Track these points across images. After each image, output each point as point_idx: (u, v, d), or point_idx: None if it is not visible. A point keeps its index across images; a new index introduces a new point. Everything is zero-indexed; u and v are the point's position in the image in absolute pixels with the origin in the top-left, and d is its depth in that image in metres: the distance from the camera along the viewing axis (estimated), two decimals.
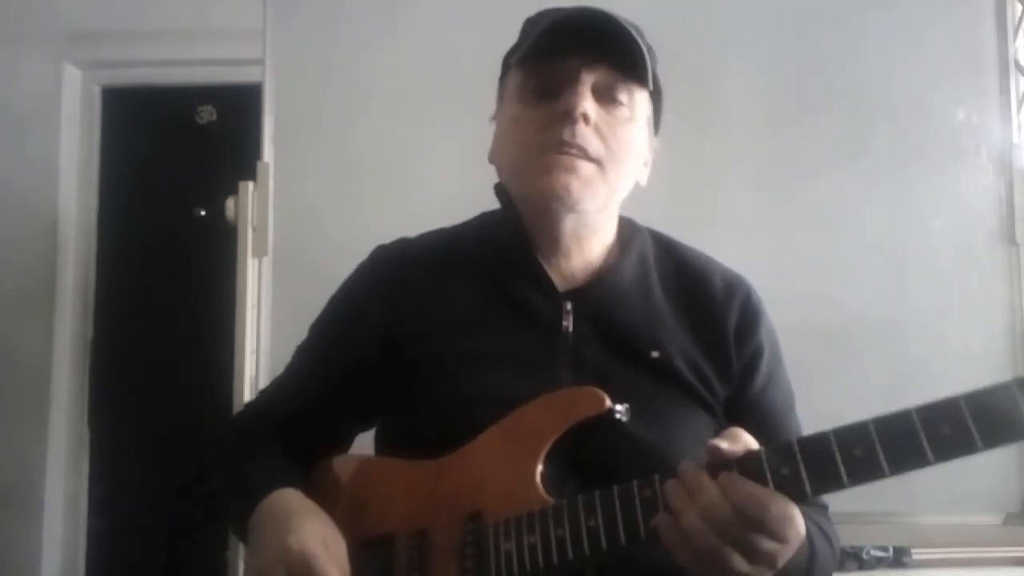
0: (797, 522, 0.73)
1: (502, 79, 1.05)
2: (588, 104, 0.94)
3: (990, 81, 1.66)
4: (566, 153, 0.94)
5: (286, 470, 0.98)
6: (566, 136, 0.93)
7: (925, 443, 0.67)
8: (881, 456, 0.69)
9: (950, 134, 1.65)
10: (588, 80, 0.95)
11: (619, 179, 0.99)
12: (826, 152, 1.65)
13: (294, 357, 1.11)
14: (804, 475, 0.71)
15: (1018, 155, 1.64)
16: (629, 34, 0.95)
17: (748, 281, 1.05)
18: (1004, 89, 1.65)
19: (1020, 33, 1.69)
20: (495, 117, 1.06)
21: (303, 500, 0.91)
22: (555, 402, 0.88)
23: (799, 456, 0.72)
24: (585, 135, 0.94)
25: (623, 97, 0.97)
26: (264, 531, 0.87)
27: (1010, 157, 1.64)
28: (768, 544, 0.72)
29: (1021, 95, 1.67)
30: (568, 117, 0.93)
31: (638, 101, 0.99)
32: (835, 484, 0.71)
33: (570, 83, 0.94)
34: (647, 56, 0.96)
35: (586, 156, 0.94)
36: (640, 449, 0.88)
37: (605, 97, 0.96)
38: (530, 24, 1.04)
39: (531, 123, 0.97)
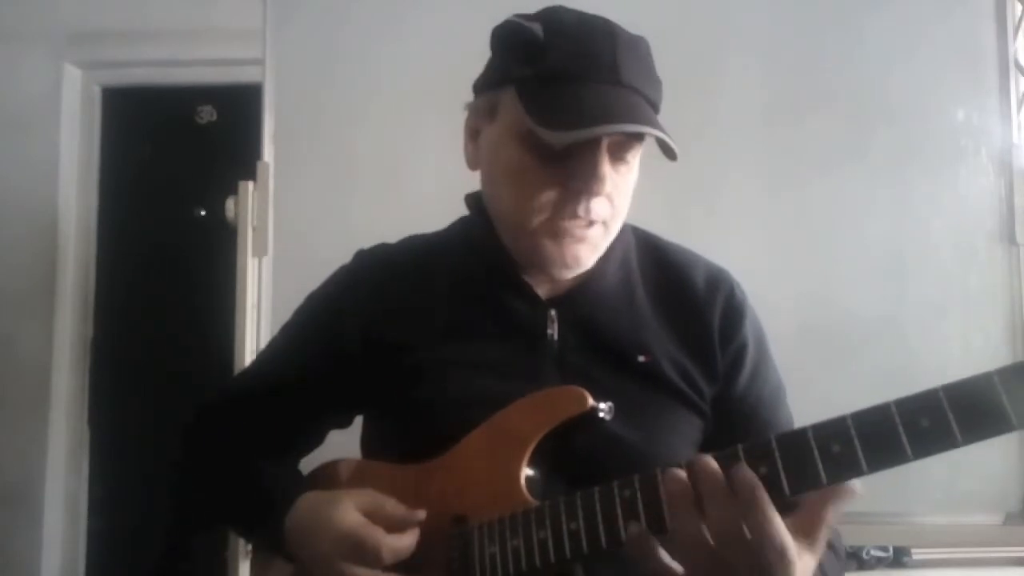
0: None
1: (497, 83, 0.95)
2: (610, 181, 0.89)
3: (990, 81, 1.66)
4: (576, 222, 0.91)
5: (289, 471, 1.00)
6: (580, 212, 0.89)
7: (903, 437, 0.65)
8: (859, 451, 0.66)
9: (950, 134, 1.65)
10: (605, 144, 0.88)
11: (619, 226, 0.97)
12: (826, 152, 1.65)
13: (264, 350, 1.11)
14: (782, 473, 0.69)
15: (1018, 155, 1.64)
16: (655, 122, 0.87)
17: (731, 275, 1.04)
18: (1004, 89, 1.65)
19: (1020, 33, 1.69)
20: (471, 108, 0.99)
21: (322, 495, 0.92)
22: (538, 402, 0.88)
23: (777, 453, 0.70)
24: (598, 207, 0.90)
25: (631, 156, 0.93)
26: (313, 540, 0.88)
27: (1010, 157, 1.64)
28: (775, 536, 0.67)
29: (1021, 95, 1.67)
30: (589, 194, 0.89)
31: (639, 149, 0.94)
32: (813, 482, 0.68)
33: (591, 150, 0.87)
34: (657, 117, 0.90)
35: (595, 222, 0.92)
36: (626, 452, 0.87)
37: (617, 158, 0.91)
38: (545, 52, 0.89)
39: (541, 182, 0.90)
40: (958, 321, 1.61)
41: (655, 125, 0.87)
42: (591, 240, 0.93)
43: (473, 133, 1.00)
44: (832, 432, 0.68)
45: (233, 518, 1.03)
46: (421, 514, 0.86)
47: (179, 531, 2.43)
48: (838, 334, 1.59)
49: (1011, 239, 1.62)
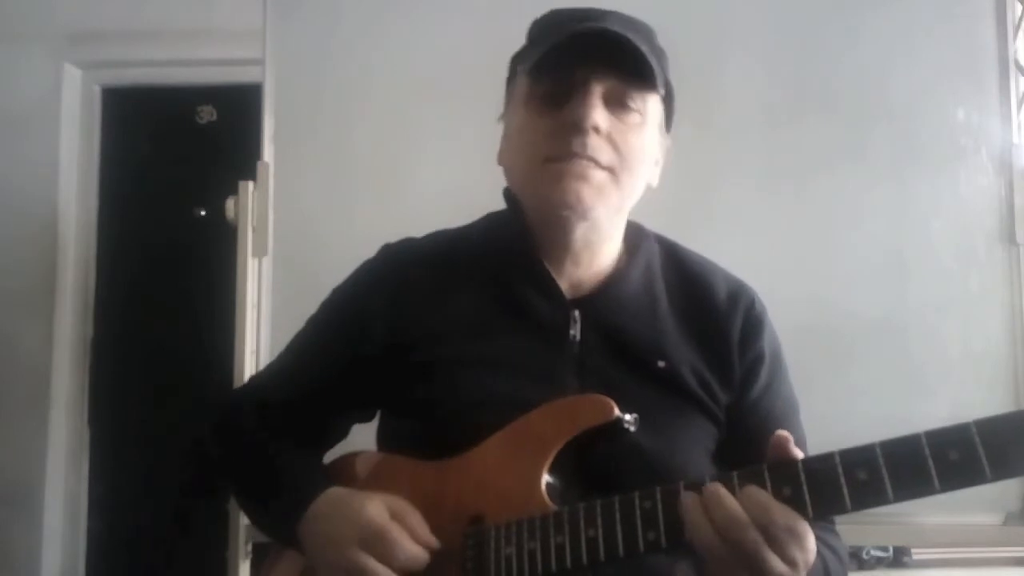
0: (805, 542, 0.70)
1: (509, 80, 1.03)
2: (599, 114, 0.92)
3: (990, 81, 1.65)
4: (576, 163, 0.92)
5: (316, 464, 1.01)
6: (576, 148, 0.91)
7: (932, 469, 0.65)
8: (886, 480, 0.67)
9: (950, 134, 1.65)
10: (598, 89, 0.92)
11: (632, 185, 0.97)
12: (826, 152, 1.65)
13: (289, 346, 1.11)
14: (807, 496, 0.69)
15: (1018, 155, 1.64)
16: (638, 48, 0.92)
17: (751, 288, 1.05)
18: (1004, 89, 1.65)
19: (1020, 33, 1.68)
20: (503, 118, 1.04)
21: (353, 490, 0.92)
22: (563, 409, 0.88)
23: (803, 476, 0.70)
24: (596, 145, 0.92)
25: (634, 103, 0.95)
26: (331, 526, 0.88)
27: (1010, 157, 1.64)
28: (779, 565, 0.69)
29: (1021, 95, 1.67)
30: (577, 128, 0.91)
31: (650, 104, 0.97)
32: (838, 507, 0.69)
33: (580, 92, 0.92)
34: (657, 64, 0.94)
35: (598, 165, 0.93)
36: (645, 459, 0.88)
37: (616, 103, 0.94)
38: (537, 28, 1.02)
39: (539, 132, 0.95)
40: (958, 321, 1.61)
41: (636, 53, 0.91)
42: (594, 181, 0.93)
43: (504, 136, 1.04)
44: (859, 459, 0.68)
45: (255, 505, 1.04)
46: (435, 543, 0.86)
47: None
48: (838, 334, 1.59)
49: (1011, 239, 1.62)
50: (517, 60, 1.02)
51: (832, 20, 1.68)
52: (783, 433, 0.74)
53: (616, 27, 0.93)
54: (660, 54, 0.98)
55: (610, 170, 0.94)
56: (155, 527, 2.53)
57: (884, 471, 0.67)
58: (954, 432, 0.66)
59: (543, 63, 0.93)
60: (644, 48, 0.92)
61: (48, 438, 2.51)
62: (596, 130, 0.92)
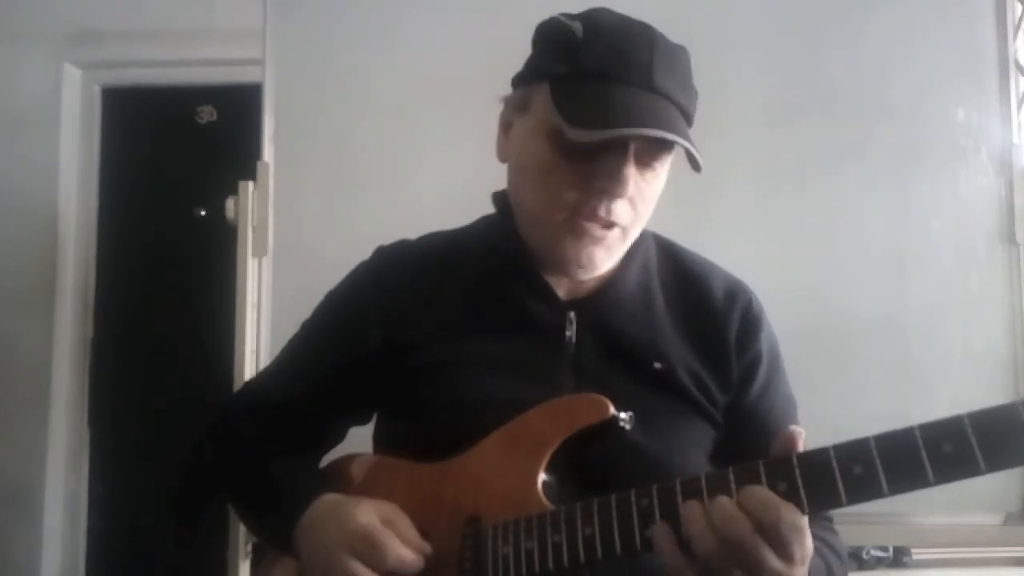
0: (806, 541, 0.70)
1: (525, 81, 0.96)
2: (633, 183, 0.89)
3: (990, 81, 1.66)
4: (596, 222, 0.91)
5: (311, 470, 1.01)
6: (601, 212, 0.90)
7: (926, 462, 0.66)
8: (881, 474, 0.67)
9: (950, 134, 1.65)
10: (633, 149, 0.88)
11: (637, 232, 0.97)
12: (826, 152, 1.65)
13: (284, 350, 1.10)
14: (802, 491, 0.69)
15: (1018, 155, 1.64)
16: (683, 126, 0.89)
17: (748, 288, 1.04)
18: (1004, 89, 1.65)
19: (1020, 33, 1.69)
20: (508, 111, 0.99)
21: (345, 497, 0.92)
22: (559, 408, 0.88)
23: (797, 471, 0.70)
24: (620, 210, 0.91)
25: (659, 163, 0.92)
26: (322, 533, 0.88)
27: (1010, 157, 1.64)
28: (775, 562, 0.69)
29: (1021, 95, 1.67)
30: (609, 194, 0.89)
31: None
32: (833, 502, 0.69)
33: (616, 152, 0.88)
34: (688, 132, 0.90)
35: (615, 225, 0.92)
36: (641, 459, 0.88)
37: (643, 163, 0.91)
38: (581, 50, 0.90)
39: (565, 179, 0.90)
40: (958, 321, 1.61)
41: (681, 134, 0.86)
42: (608, 243, 0.93)
43: (506, 126, 1.00)
44: (854, 453, 0.68)
45: (250, 512, 1.04)
46: (428, 547, 0.86)
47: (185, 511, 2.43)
48: (838, 334, 1.59)
49: (1011, 239, 1.62)
50: (546, 71, 0.92)
51: (832, 20, 1.68)
52: (796, 429, 0.73)
53: (662, 77, 0.88)
54: (693, 96, 0.94)
55: (623, 227, 0.93)
56: (155, 527, 2.53)
57: (879, 464, 0.67)
58: (947, 425, 0.66)
59: (582, 121, 0.86)
60: (687, 123, 0.90)
61: (48, 438, 2.50)
62: (626, 196, 0.90)
